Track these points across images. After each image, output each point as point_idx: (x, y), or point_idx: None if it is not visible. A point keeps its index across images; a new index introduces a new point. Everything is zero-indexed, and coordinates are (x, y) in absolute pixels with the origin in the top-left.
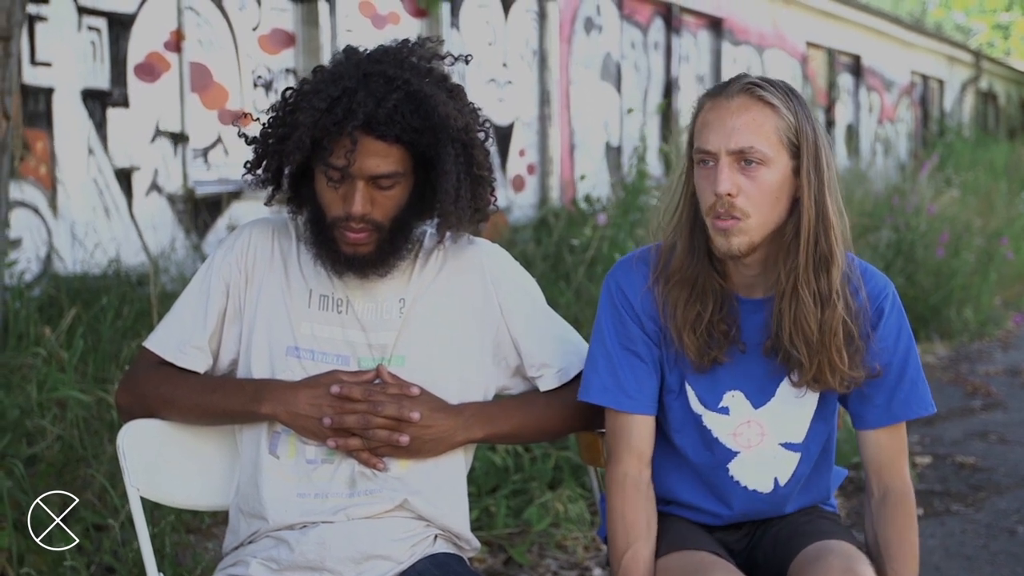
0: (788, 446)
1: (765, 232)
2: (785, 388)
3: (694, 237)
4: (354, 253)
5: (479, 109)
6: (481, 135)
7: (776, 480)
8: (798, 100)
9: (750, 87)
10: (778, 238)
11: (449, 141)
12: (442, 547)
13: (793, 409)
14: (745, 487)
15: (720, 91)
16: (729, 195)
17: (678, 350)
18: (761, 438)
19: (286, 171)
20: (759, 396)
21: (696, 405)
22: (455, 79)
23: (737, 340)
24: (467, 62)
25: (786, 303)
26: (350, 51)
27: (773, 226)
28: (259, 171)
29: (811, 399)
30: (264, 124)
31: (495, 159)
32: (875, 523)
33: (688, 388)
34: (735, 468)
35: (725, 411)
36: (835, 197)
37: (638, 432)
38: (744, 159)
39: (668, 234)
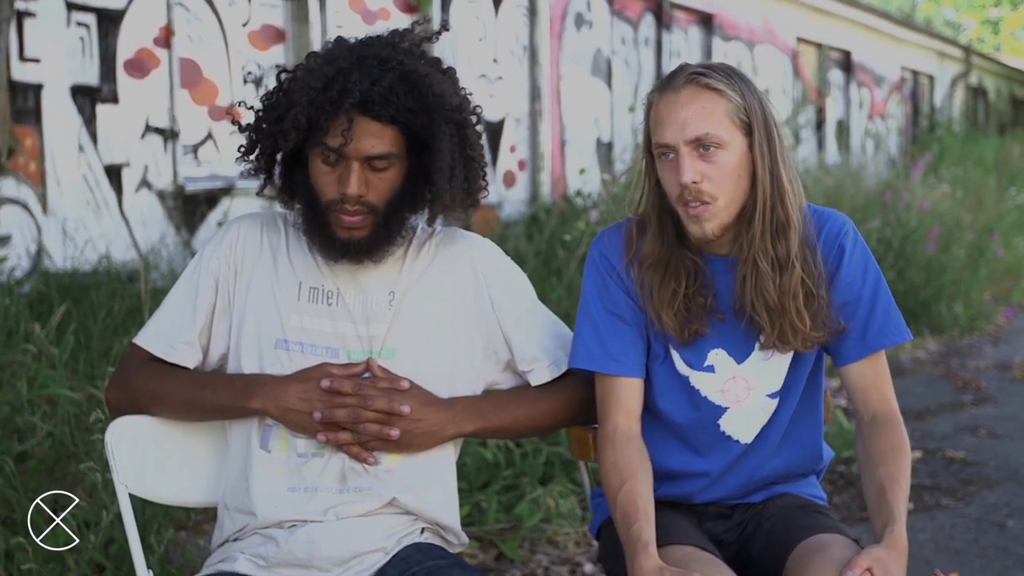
0: (772, 395)
1: (734, 211)
2: (759, 343)
3: (663, 223)
4: (349, 238)
5: (471, 94)
6: (473, 118)
7: (762, 429)
8: (742, 79)
9: (695, 76)
10: (742, 212)
11: (444, 120)
12: (428, 539)
13: (773, 360)
14: (737, 440)
15: (666, 85)
16: (694, 183)
17: (659, 329)
18: (748, 392)
19: (279, 157)
20: (740, 351)
21: (682, 367)
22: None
23: (715, 308)
24: (447, 28)
25: (748, 270)
26: (341, 39)
27: (740, 204)
28: (252, 156)
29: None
30: (257, 109)
31: (486, 154)
32: (867, 444)
33: (673, 352)
34: (726, 423)
35: (711, 369)
36: (788, 166)
37: (626, 392)
38: (702, 146)
39: (635, 220)
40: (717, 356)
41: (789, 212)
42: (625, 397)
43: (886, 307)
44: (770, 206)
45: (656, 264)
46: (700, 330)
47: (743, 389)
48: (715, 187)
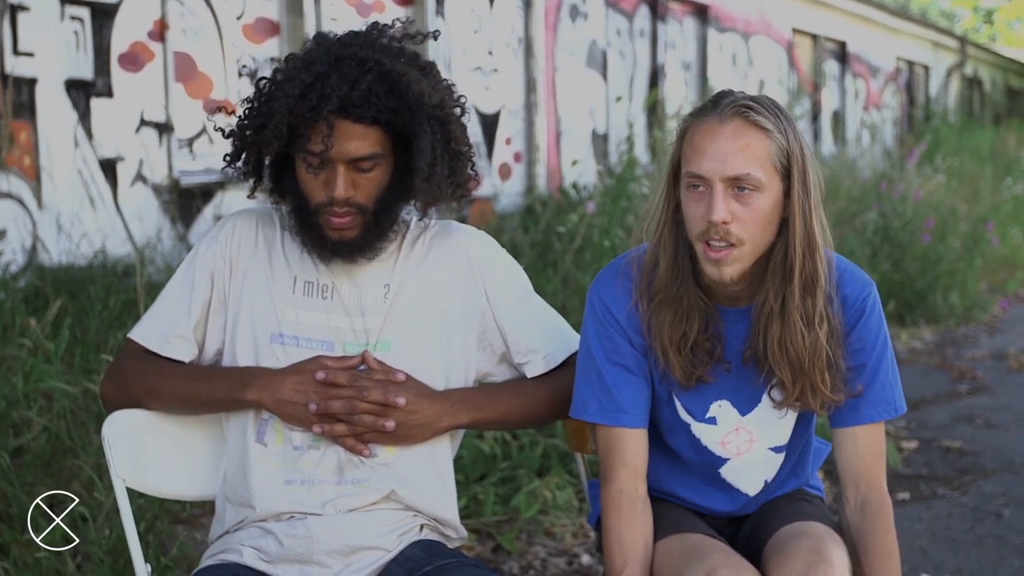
0: (776, 449)
1: (756, 257)
2: (768, 398)
3: (678, 256)
4: (340, 238)
5: (453, 84)
6: (457, 110)
7: (765, 481)
8: (786, 119)
9: (743, 110)
10: (764, 258)
11: (425, 118)
12: (428, 536)
13: (778, 414)
14: (738, 489)
15: (710, 112)
16: (724, 222)
17: (664, 369)
18: (750, 444)
19: (266, 161)
20: (746, 404)
21: (684, 415)
22: (441, 67)
23: (721, 358)
24: (435, 38)
25: (774, 324)
26: (320, 37)
27: (763, 250)
28: (239, 163)
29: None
30: (240, 116)
31: (481, 147)
32: (856, 535)
33: (675, 399)
34: (727, 473)
35: (712, 421)
36: (820, 215)
37: (632, 446)
38: (738, 186)
39: (649, 251)
40: (720, 408)
41: (818, 267)
42: (631, 453)
43: (884, 380)
44: (802, 259)
45: (667, 301)
46: (704, 378)
47: (745, 441)
48: (743, 230)
